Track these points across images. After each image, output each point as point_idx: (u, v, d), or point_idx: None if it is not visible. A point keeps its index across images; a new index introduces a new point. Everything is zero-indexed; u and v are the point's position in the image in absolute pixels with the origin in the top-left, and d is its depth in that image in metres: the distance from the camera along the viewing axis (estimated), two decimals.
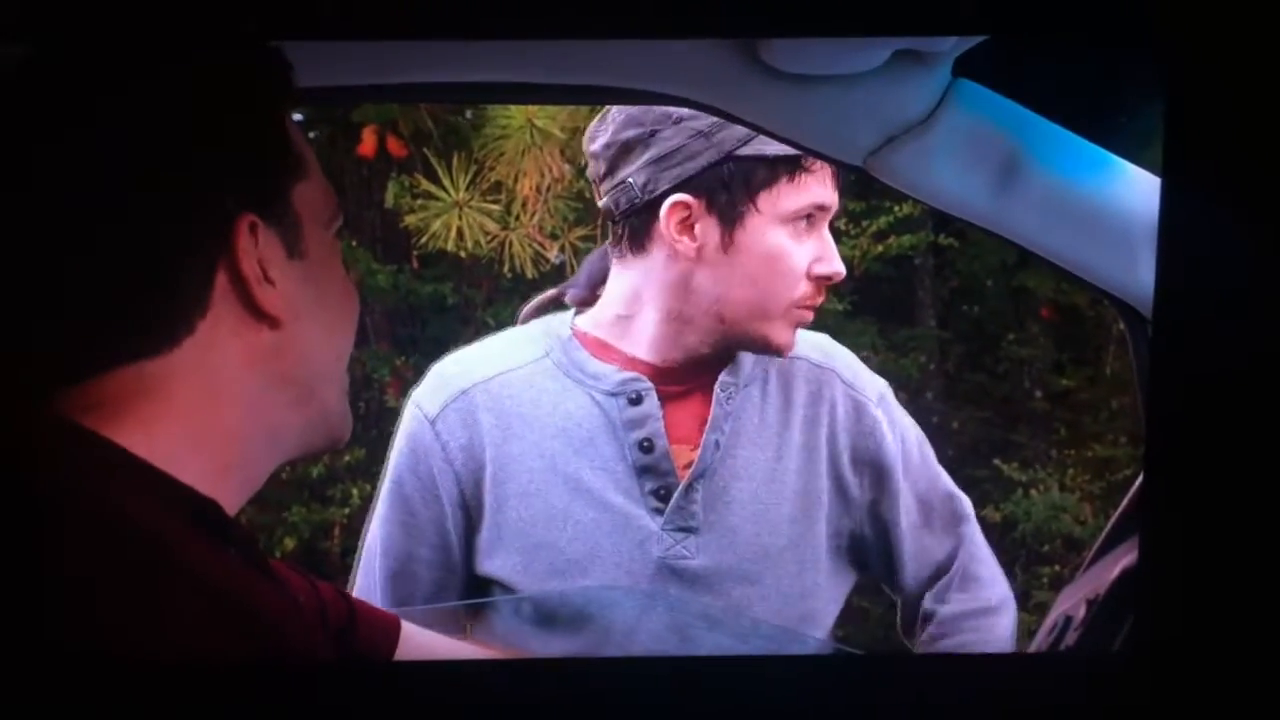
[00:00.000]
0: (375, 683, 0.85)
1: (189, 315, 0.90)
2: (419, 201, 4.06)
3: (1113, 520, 1.66)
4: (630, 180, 1.56)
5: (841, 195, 1.57)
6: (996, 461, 5.74)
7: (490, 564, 1.59)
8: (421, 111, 4.34)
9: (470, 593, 1.62)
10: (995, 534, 5.85)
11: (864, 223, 5.87)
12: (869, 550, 1.70)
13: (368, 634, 1.19)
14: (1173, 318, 0.73)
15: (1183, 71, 0.69)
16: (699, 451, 1.59)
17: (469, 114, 4.51)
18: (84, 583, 0.80)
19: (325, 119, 4.76)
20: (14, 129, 0.89)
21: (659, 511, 1.58)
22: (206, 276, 0.90)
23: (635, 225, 1.58)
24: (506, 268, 4.18)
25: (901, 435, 1.71)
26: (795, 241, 1.55)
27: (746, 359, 1.64)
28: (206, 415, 0.90)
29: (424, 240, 4.34)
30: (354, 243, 4.92)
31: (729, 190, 1.52)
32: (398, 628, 1.22)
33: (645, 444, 1.58)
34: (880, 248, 5.86)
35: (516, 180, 4.04)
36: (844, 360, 1.71)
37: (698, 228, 1.54)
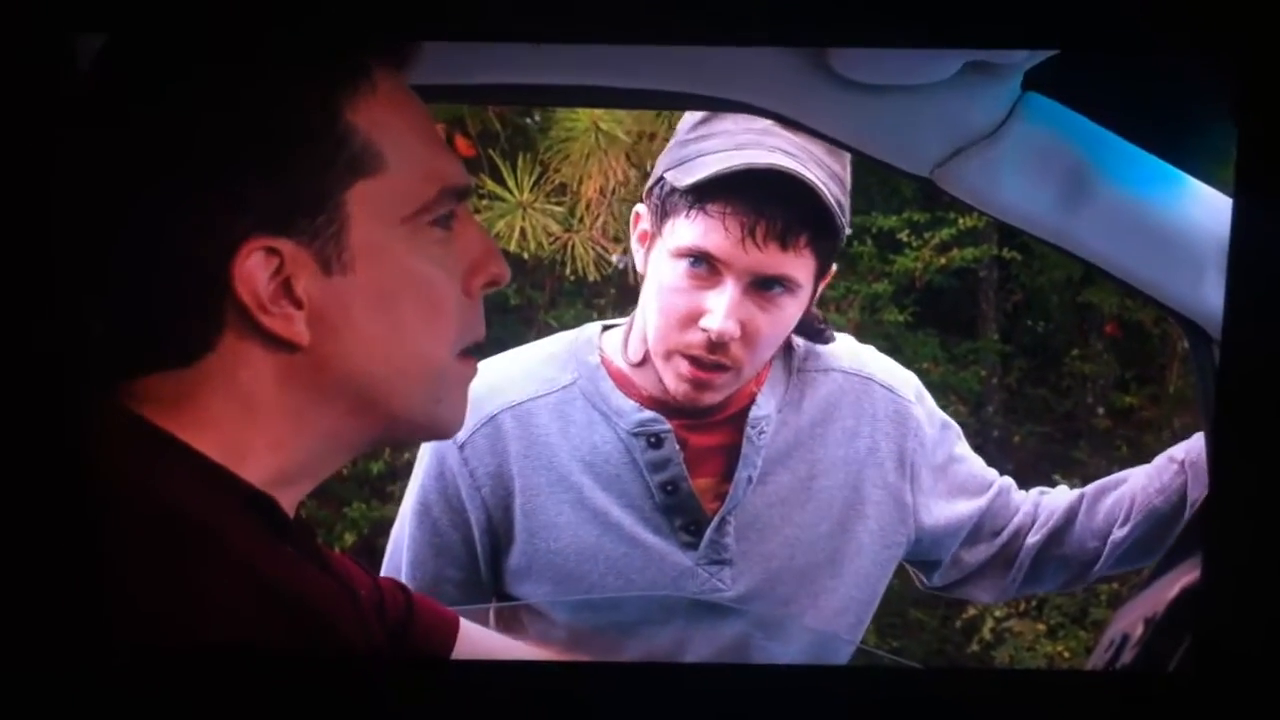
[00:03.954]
0: (430, 680, 0.86)
1: (204, 332, 0.86)
2: (484, 202, 4.07)
3: (1172, 539, 1.64)
4: None
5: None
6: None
7: (521, 589, 1.58)
8: (489, 113, 4.36)
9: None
10: None
11: (927, 234, 5.85)
12: (925, 547, 1.69)
13: (425, 630, 1.19)
14: (1241, 337, 0.73)
15: (1257, 89, 0.69)
16: (731, 487, 1.56)
17: (536, 116, 4.53)
18: (129, 567, 0.79)
19: None
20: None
21: (691, 546, 1.56)
22: (216, 295, 0.85)
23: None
24: (569, 270, 4.19)
25: (942, 425, 1.69)
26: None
27: (777, 387, 1.61)
28: (245, 429, 0.88)
29: None
30: None
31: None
32: (456, 625, 1.23)
33: (669, 487, 1.55)
34: (943, 259, 5.84)
35: (581, 183, 4.04)
36: (877, 363, 1.68)
37: None
